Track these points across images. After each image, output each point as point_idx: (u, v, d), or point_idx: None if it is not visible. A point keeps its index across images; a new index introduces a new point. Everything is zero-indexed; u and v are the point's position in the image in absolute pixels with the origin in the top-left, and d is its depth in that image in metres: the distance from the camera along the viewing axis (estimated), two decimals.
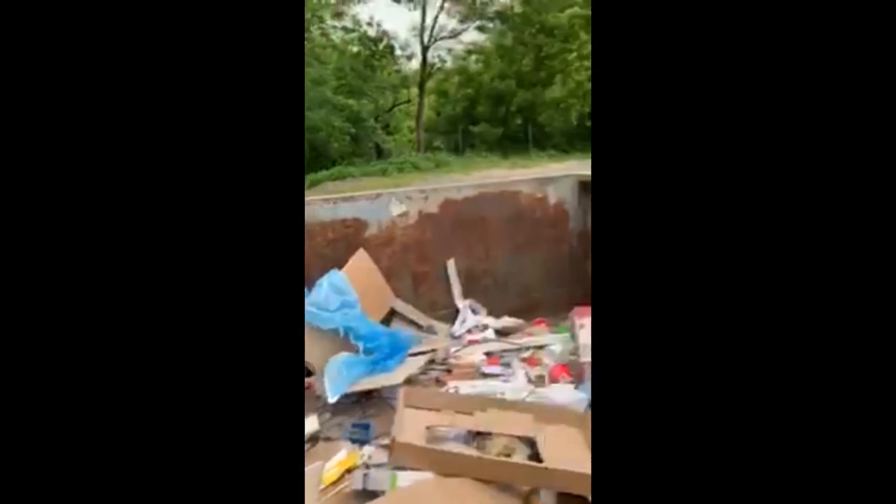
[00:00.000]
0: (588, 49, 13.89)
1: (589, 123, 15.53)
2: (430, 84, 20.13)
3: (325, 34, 13.85)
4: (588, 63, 13.81)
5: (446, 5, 14.20)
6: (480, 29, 15.15)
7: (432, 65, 16.07)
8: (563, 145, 16.33)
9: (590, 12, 13.59)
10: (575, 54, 14.38)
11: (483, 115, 17.78)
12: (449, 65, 18.68)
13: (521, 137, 17.02)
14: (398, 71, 17.59)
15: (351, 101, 13.96)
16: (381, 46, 15.04)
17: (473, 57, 18.06)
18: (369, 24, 14.78)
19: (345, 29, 14.69)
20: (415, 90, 17.16)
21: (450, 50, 17.15)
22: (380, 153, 16.40)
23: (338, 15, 14.01)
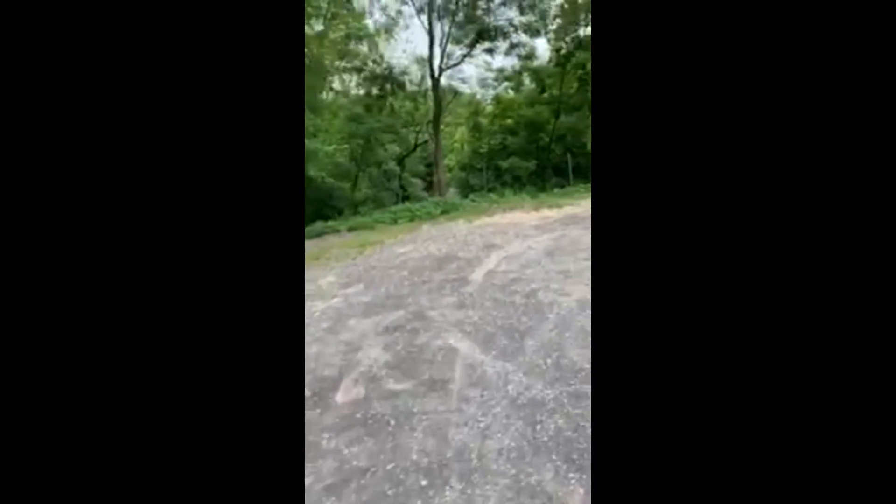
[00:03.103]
0: None
1: None
2: (460, 117, 18.51)
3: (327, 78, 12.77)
4: None
5: (452, 30, 12.40)
6: (489, 52, 13.09)
7: (442, 97, 14.22)
8: None
9: None
10: None
11: (518, 147, 15.62)
12: (479, 96, 16.91)
13: (563, 169, 14.60)
14: (416, 108, 16.11)
15: (354, 146, 12.66)
16: (388, 84, 13.57)
17: (504, 84, 16.08)
18: (375, 61, 13.42)
19: (356, 69, 13.55)
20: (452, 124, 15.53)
21: (463, 80, 15.20)
22: (405, 198, 14.92)
23: (343, 56, 12.87)
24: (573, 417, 2.23)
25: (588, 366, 2.73)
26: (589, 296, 3.99)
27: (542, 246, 6.12)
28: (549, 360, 2.86)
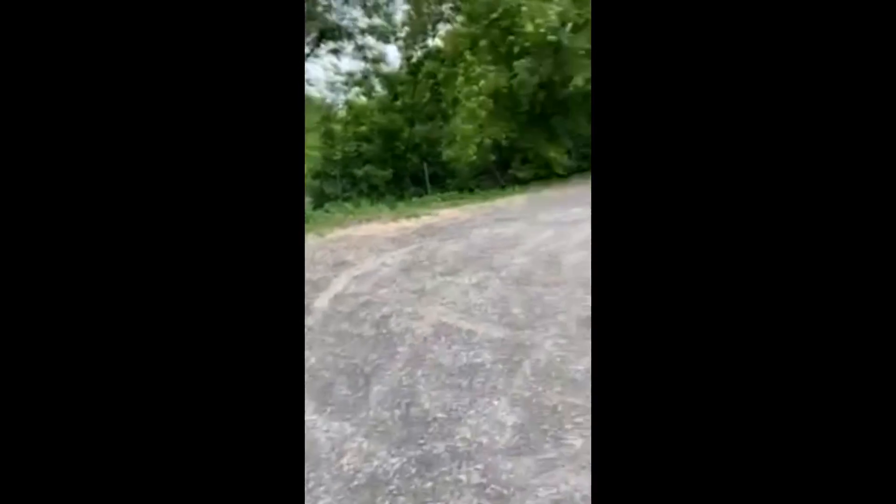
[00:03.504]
0: (475, 71, 11.72)
1: (492, 157, 13.39)
2: (311, 122, 17.37)
3: None
4: (476, 87, 11.61)
5: None
6: (335, 52, 12.49)
7: None
8: (469, 183, 13.96)
9: (472, 30, 11.47)
10: (462, 78, 12.10)
11: (373, 155, 15.14)
12: (329, 100, 16.02)
13: (420, 178, 14.54)
14: None
15: None
16: None
17: (355, 89, 15.48)
18: None
19: None
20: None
21: (309, 82, 14.17)
22: None
23: None
24: (422, 497, 1.77)
25: (441, 415, 2.32)
26: (443, 319, 3.65)
27: (398, 261, 5.70)
28: (396, 412, 2.38)
